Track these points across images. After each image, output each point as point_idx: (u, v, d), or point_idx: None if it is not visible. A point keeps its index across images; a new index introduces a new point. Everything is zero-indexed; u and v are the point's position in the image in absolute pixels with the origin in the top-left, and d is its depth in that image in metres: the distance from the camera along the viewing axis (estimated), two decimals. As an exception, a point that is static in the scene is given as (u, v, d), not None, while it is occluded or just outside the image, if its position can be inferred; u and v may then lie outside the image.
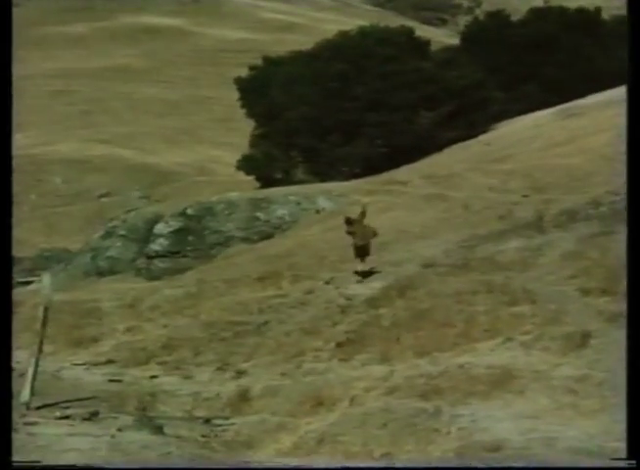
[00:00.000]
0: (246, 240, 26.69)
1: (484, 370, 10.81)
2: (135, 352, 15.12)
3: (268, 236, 26.54)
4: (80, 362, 14.90)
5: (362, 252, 17.43)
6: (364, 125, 36.69)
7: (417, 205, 24.65)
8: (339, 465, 8.99)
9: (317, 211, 26.92)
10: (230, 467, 9.29)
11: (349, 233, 17.61)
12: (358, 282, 16.98)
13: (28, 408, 11.09)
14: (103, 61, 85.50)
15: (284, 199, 27.92)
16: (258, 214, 27.36)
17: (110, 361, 14.80)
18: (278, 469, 9.13)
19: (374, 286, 16.21)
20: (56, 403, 11.52)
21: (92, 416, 10.98)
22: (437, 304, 13.86)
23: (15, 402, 10.11)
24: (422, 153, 34.66)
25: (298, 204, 27.50)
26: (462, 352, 11.85)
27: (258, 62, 43.40)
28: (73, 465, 8.62)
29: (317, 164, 37.74)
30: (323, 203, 27.36)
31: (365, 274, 17.20)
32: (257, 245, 25.71)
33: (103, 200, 50.05)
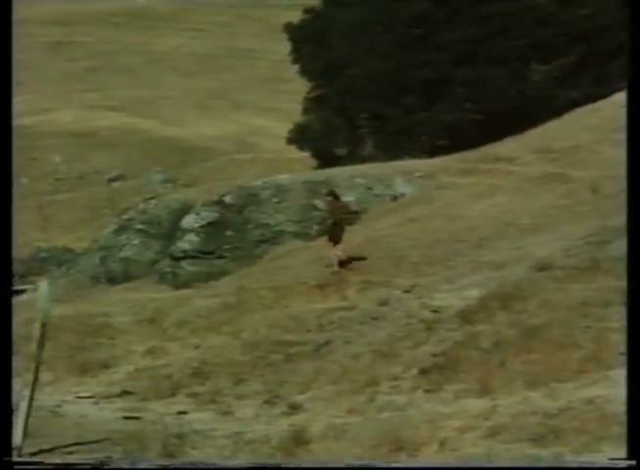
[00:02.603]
0: (300, 236, 26.85)
1: (621, 406, 10.71)
2: (158, 380, 15.33)
3: (329, 230, 26.65)
4: (87, 394, 15.15)
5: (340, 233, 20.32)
6: (452, 84, 36.61)
7: (528, 188, 24.53)
8: (339, 465, 9.62)
9: (394, 198, 26.97)
10: (231, 467, 10.24)
11: (334, 208, 20.61)
12: (334, 273, 19.24)
13: (20, 454, 11.24)
14: (113, 2, 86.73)
15: (349, 182, 28.01)
16: (316, 203, 27.48)
17: (125, 393, 15.03)
18: (284, 468, 10.06)
19: (469, 295, 16.20)
20: (56, 448, 11.69)
21: (103, 465, 11.13)
22: (555, 318, 13.78)
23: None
24: (532, 119, 34.39)
25: (369, 188, 27.57)
26: (590, 382, 11.77)
27: (315, 3, 43.63)
28: (74, 465, 8.84)
29: (391, 135, 37.80)
30: (401, 187, 27.39)
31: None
32: (315, 242, 25.83)
33: (114, 184, 50.80)
